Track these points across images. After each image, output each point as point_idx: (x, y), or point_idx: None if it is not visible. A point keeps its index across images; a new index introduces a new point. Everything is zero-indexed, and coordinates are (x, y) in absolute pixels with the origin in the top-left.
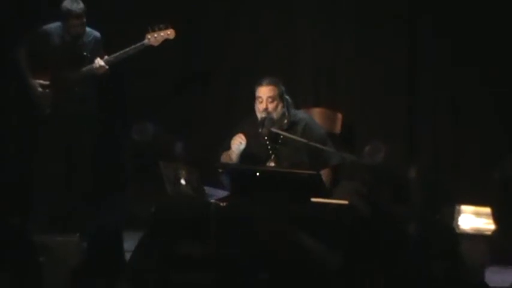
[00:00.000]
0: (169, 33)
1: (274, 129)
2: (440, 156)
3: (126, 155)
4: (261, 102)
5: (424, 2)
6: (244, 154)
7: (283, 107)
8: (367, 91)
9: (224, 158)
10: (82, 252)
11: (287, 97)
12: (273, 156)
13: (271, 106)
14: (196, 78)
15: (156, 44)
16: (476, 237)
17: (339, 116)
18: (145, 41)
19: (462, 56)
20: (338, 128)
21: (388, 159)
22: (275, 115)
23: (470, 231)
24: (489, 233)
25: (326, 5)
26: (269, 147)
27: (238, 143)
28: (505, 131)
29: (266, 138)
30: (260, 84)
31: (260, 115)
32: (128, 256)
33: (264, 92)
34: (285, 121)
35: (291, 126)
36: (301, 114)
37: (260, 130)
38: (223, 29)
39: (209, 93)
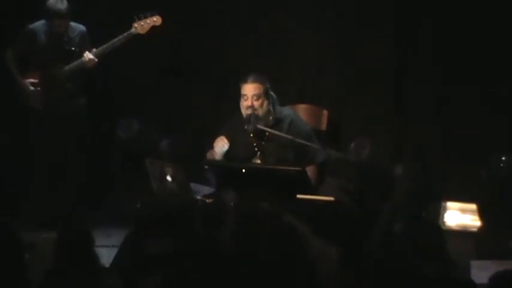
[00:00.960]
0: (156, 20)
1: (260, 126)
2: (426, 153)
3: (113, 152)
4: (246, 99)
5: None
6: (230, 151)
7: (268, 104)
8: (353, 88)
9: (208, 157)
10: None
11: (272, 94)
12: (258, 153)
13: (256, 103)
14: (181, 75)
15: (143, 32)
16: (462, 233)
17: (325, 112)
18: (133, 30)
19: (448, 53)
20: (324, 125)
21: (373, 156)
22: (260, 112)
23: (456, 228)
24: (475, 229)
25: (313, 4)
26: (255, 144)
27: (221, 145)
28: (491, 129)
29: (252, 135)
30: (245, 81)
31: (245, 112)
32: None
33: (249, 89)
34: (271, 118)
35: (277, 123)
36: (286, 110)
37: (246, 127)
38: (210, 26)
39: (195, 90)
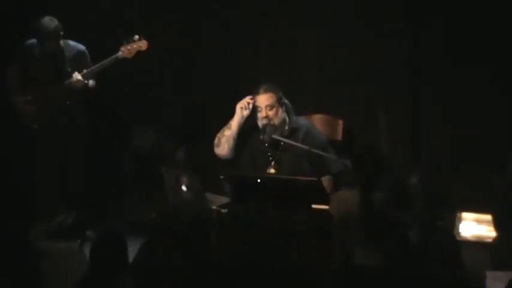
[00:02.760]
0: (142, 45)
1: (275, 136)
2: (441, 163)
3: (124, 162)
4: (260, 111)
5: (425, 9)
6: (245, 161)
7: (283, 112)
8: (368, 98)
9: (219, 137)
10: (84, 258)
11: (286, 101)
12: (273, 163)
13: (271, 113)
14: (197, 85)
15: (129, 56)
16: (477, 244)
17: (340, 122)
18: (119, 54)
19: (462, 61)
20: (339, 135)
21: (390, 166)
22: (276, 121)
23: (471, 239)
24: (490, 240)
25: (327, 13)
26: (269, 154)
27: (244, 106)
28: (506, 137)
29: (267, 145)
30: (257, 93)
31: (261, 123)
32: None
33: (262, 101)
34: (286, 127)
35: (292, 133)
36: (302, 120)
37: (261, 137)
38: (223, 34)
39: (211, 100)
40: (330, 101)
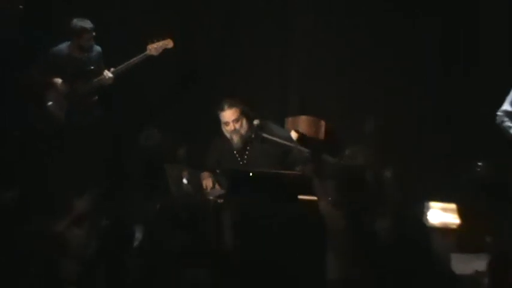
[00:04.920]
0: (168, 43)
1: (265, 135)
2: (412, 160)
3: (134, 159)
4: (228, 125)
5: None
6: (210, 163)
7: (246, 121)
8: (349, 101)
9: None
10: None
11: (247, 110)
12: (241, 163)
13: (237, 125)
14: (195, 91)
15: (156, 53)
16: (444, 230)
17: (323, 123)
18: (147, 52)
19: (437, 63)
20: (322, 134)
21: (365, 161)
22: (242, 131)
23: (438, 225)
24: (455, 226)
25: (313, 23)
26: (239, 158)
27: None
28: (470, 137)
29: (235, 153)
30: (222, 109)
31: (230, 135)
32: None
33: (229, 116)
34: (250, 133)
35: (256, 134)
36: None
37: (253, 136)
38: (219, 39)
39: (207, 104)
40: (314, 103)
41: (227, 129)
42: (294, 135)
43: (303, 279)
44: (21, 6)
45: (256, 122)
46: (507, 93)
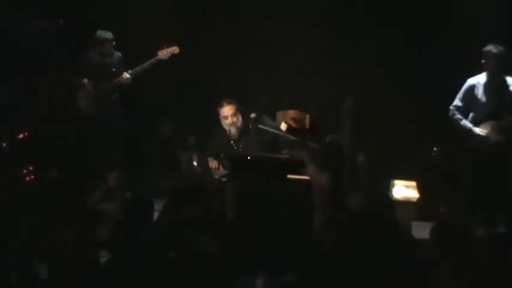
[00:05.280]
0: (175, 49)
1: (261, 126)
2: (380, 145)
3: (152, 146)
4: (227, 119)
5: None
6: (211, 152)
7: (240, 115)
8: (329, 98)
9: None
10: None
11: (240, 108)
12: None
13: (234, 119)
14: (201, 91)
15: (165, 58)
16: (406, 203)
17: (308, 116)
18: (158, 57)
19: (400, 59)
20: (307, 125)
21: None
22: (238, 124)
23: (401, 199)
24: (415, 200)
25: (301, 28)
26: (235, 147)
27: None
28: (428, 127)
29: (232, 142)
30: (222, 105)
31: (229, 128)
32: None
33: (228, 111)
34: (243, 125)
35: (246, 127)
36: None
37: (250, 126)
38: (217, 42)
39: (210, 104)
40: (300, 100)
41: (226, 123)
42: (283, 126)
43: (291, 239)
44: (61, 21)
45: (252, 115)
46: (458, 91)
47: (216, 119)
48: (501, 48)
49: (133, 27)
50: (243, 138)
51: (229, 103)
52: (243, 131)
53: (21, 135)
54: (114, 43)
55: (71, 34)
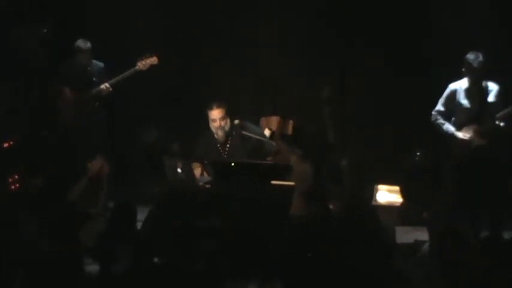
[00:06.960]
0: (153, 60)
1: (244, 132)
2: (364, 150)
3: (136, 152)
4: (215, 122)
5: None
6: (199, 154)
7: (228, 119)
8: (312, 105)
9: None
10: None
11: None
12: (224, 156)
13: (223, 122)
14: (185, 99)
15: (144, 68)
16: (389, 207)
17: (291, 122)
18: (137, 67)
19: (386, 67)
20: (290, 131)
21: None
22: (226, 128)
23: (385, 204)
24: (398, 204)
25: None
26: (221, 151)
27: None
28: (411, 132)
29: (219, 145)
30: (211, 108)
31: (216, 131)
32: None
33: (216, 114)
34: (231, 129)
35: (237, 132)
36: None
37: (234, 133)
38: (200, 50)
39: (194, 111)
40: (283, 106)
41: (214, 125)
42: (267, 132)
43: (270, 241)
44: (45, 30)
45: (236, 121)
46: (440, 97)
47: (206, 124)
48: (480, 56)
49: (122, 34)
50: (229, 143)
51: (218, 106)
52: (230, 135)
53: (6, 145)
54: (90, 53)
55: (55, 42)
